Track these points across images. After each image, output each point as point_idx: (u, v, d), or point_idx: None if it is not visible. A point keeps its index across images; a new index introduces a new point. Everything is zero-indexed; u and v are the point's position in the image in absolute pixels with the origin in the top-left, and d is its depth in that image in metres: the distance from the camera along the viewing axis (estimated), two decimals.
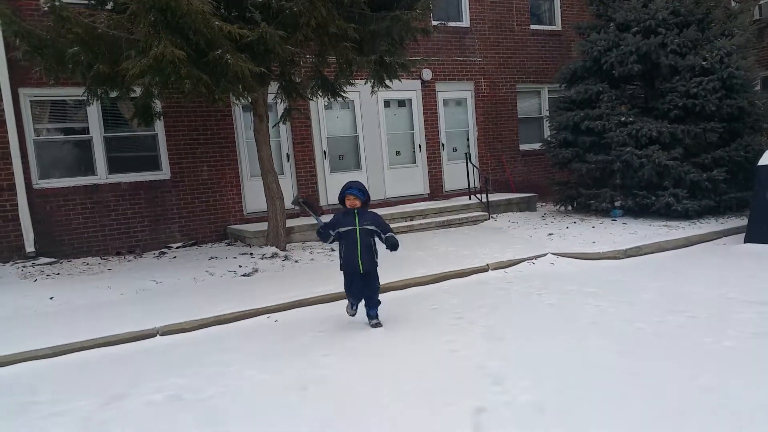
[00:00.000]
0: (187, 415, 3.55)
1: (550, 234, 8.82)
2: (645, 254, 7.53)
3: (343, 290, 5.19)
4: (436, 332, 4.82)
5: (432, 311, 5.51)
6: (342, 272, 5.05)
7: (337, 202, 5.12)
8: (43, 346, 4.84)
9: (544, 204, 12.40)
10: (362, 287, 4.99)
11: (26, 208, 8.66)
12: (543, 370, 3.85)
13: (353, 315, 5.18)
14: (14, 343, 4.89)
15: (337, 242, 4.97)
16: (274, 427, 3.31)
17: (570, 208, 11.20)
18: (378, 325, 5.02)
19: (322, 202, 10.98)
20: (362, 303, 5.15)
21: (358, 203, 4.85)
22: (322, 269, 7.32)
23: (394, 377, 3.92)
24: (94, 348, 4.92)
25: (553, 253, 7.47)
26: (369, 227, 4.86)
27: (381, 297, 5.21)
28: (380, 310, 5.16)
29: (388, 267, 5.94)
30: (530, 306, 5.51)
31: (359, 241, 4.82)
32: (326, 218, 5.11)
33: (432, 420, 3.25)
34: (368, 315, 5.10)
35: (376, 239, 4.98)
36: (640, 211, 9.78)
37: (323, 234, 4.92)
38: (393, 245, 4.92)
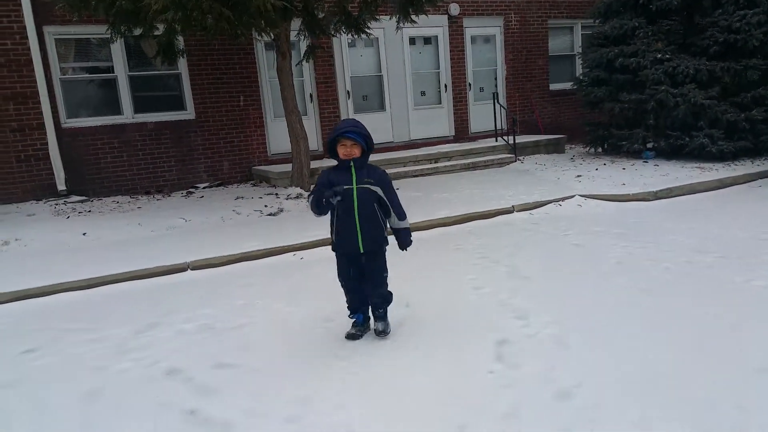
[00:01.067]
0: (217, 342, 3.68)
1: (579, 176, 8.65)
2: (676, 196, 7.36)
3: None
4: (460, 270, 4.84)
5: (456, 250, 5.52)
6: (335, 253, 3.55)
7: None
8: (79, 278, 5.02)
9: (573, 146, 12.11)
10: (362, 274, 3.52)
11: (56, 147, 8.79)
12: (567, 307, 3.86)
13: (357, 336, 3.58)
14: (51, 276, 5.07)
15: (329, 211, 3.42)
16: (302, 353, 3.41)
17: (600, 149, 10.93)
18: (382, 333, 3.57)
19: None
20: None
21: (356, 152, 3.29)
22: None
23: (417, 309, 3.97)
24: (127, 281, 5.09)
25: (580, 195, 7.34)
26: (372, 187, 3.36)
27: None
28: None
29: (413, 208, 5.91)
30: (556, 246, 5.47)
31: (356, 205, 3.32)
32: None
33: (455, 349, 3.31)
34: (373, 314, 3.65)
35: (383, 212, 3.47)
36: (672, 152, 9.49)
37: (317, 203, 3.31)
38: (404, 242, 3.55)
